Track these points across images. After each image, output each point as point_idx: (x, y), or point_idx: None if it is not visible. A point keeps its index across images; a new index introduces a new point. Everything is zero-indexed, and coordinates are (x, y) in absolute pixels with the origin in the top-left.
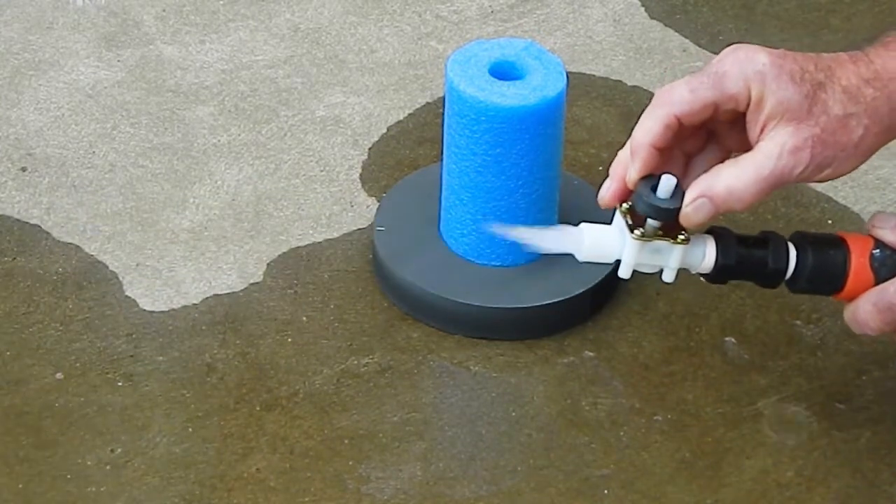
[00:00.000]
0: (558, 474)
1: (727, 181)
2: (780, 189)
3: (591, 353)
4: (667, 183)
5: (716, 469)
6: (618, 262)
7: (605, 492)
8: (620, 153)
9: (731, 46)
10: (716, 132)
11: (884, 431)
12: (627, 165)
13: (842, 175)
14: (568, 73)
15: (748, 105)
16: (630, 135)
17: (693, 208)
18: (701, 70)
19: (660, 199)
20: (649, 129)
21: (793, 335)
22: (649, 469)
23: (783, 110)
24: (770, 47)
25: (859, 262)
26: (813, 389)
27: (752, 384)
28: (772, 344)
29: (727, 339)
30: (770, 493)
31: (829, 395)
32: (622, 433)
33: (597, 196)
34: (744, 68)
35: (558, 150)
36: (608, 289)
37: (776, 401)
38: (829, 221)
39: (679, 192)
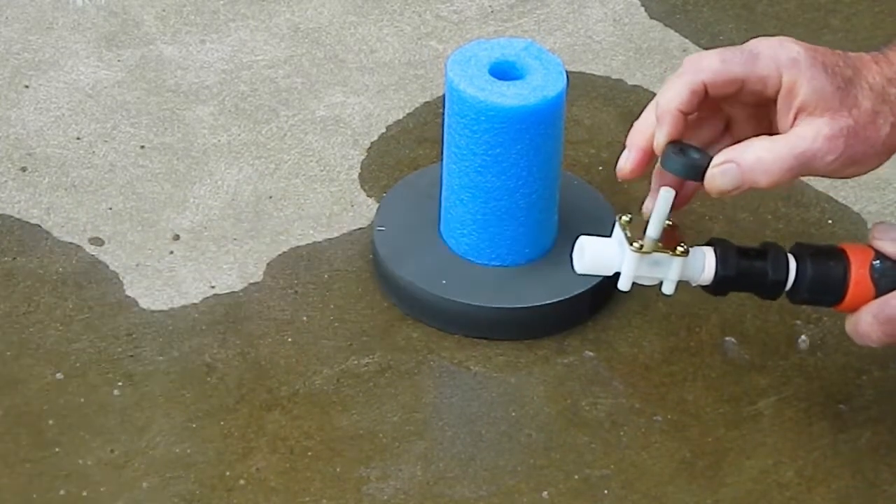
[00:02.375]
0: (558, 474)
1: (758, 152)
2: (781, 188)
3: (591, 353)
4: (666, 195)
5: (716, 469)
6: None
7: (605, 492)
8: (637, 123)
9: (760, 37)
10: (733, 121)
11: (884, 431)
12: (647, 134)
13: (865, 172)
14: (568, 73)
15: (776, 92)
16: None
17: (720, 171)
18: (734, 46)
19: (690, 157)
20: (677, 93)
21: (793, 335)
22: (649, 469)
23: (818, 99)
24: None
25: (859, 273)
26: (813, 389)
27: (752, 384)
28: (772, 344)
29: (727, 339)
30: (770, 493)
31: (829, 395)
32: (622, 433)
33: (615, 168)
34: (777, 53)
35: (558, 150)
36: (608, 289)
37: (776, 401)
38: (829, 221)
39: (706, 155)
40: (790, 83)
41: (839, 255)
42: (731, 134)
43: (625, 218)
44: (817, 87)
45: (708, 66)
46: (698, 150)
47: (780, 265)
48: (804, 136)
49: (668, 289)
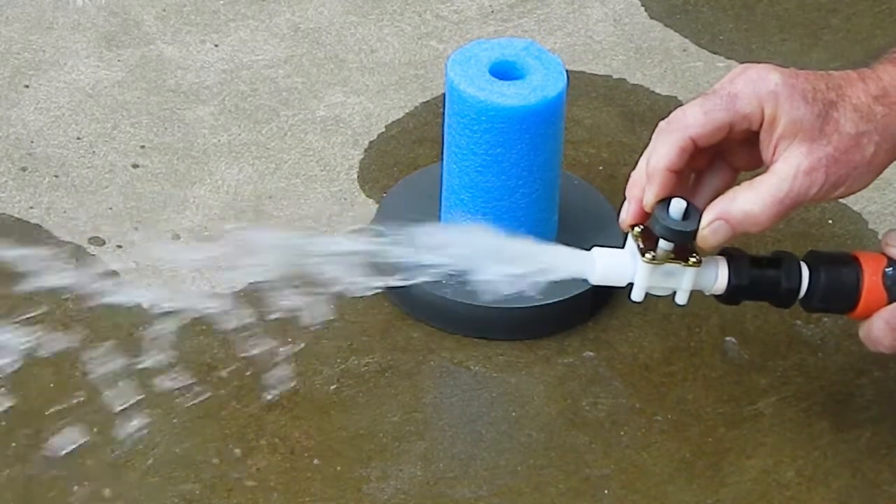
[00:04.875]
0: (558, 474)
1: (743, 205)
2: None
3: (591, 353)
4: (677, 206)
5: (716, 469)
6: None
7: (605, 492)
8: (634, 174)
9: (742, 66)
10: (723, 149)
11: (884, 431)
12: (642, 187)
13: (855, 192)
14: (568, 73)
15: (761, 124)
16: (635, 138)
17: (710, 230)
18: (712, 91)
19: (677, 221)
20: (665, 153)
21: (793, 335)
22: (649, 469)
23: (796, 130)
24: (771, 49)
25: (872, 280)
26: (813, 389)
27: (752, 384)
28: (772, 344)
29: (727, 339)
30: (770, 493)
31: (829, 395)
32: (622, 433)
33: (625, 185)
34: (757, 88)
35: (558, 150)
36: (608, 289)
37: (776, 401)
38: (830, 221)
39: (695, 214)
40: (771, 116)
41: (852, 263)
42: (724, 160)
43: (637, 229)
44: (796, 118)
45: (693, 120)
46: (689, 205)
47: (793, 273)
48: (785, 175)
49: (681, 299)
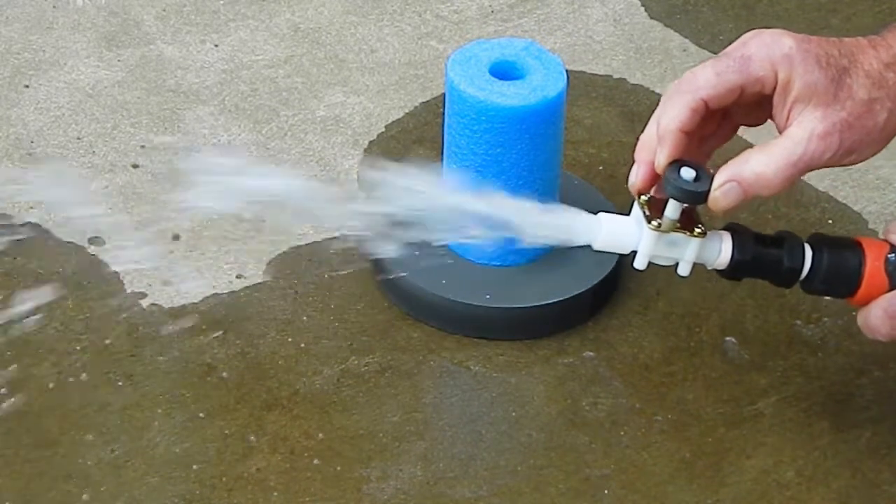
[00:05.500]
0: (558, 474)
1: (755, 167)
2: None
3: (591, 353)
4: (688, 168)
5: (716, 469)
6: (620, 265)
7: (605, 492)
8: (643, 137)
9: (753, 31)
10: (732, 112)
11: (884, 431)
12: (653, 149)
13: (865, 160)
14: (568, 73)
15: (773, 88)
16: (635, 138)
17: (722, 192)
18: (724, 53)
19: (689, 182)
20: (677, 114)
21: (793, 335)
22: (649, 469)
23: (810, 94)
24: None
25: (874, 265)
26: (813, 389)
27: (752, 384)
28: (772, 344)
29: (727, 339)
30: (770, 493)
31: (829, 395)
32: (622, 433)
33: (627, 182)
34: (770, 51)
35: (558, 150)
36: (608, 289)
37: (776, 401)
38: (830, 221)
39: (706, 176)
40: (785, 80)
41: (855, 247)
42: (731, 122)
43: (643, 197)
44: (810, 82)
45: (705, 82)
46: (699, 168)
47: (796, 253)
48: (798, 139)
49: (683, 270)
